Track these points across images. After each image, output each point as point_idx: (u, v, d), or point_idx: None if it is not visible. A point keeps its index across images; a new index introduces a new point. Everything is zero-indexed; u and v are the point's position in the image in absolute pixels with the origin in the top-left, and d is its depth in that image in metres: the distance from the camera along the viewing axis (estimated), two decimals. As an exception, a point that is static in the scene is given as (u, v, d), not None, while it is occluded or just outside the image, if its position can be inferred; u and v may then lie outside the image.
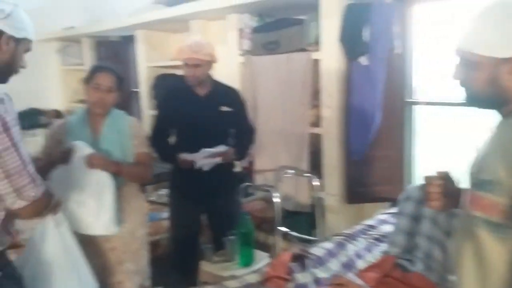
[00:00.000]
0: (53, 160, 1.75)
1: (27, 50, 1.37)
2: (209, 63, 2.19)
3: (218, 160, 2.13)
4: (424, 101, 2.60)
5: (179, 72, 3.79)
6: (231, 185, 2.22)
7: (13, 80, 4.81)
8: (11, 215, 1.28)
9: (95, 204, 1.77)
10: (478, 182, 0.97)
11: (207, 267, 2.18)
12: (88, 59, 4.58)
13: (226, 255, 2.20)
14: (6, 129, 1.12)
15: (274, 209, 3.16)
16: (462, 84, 1.07)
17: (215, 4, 2.89)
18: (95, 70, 1.90)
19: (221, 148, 2.14)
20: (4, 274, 1.28)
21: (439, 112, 2.67)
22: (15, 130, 1.16)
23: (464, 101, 1.09)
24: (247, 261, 2.15)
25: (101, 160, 1.76)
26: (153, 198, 3.38)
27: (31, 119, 4.62)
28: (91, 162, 1.73)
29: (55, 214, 1.49)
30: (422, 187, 1.16)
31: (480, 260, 0.96)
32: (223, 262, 2.19)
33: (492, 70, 0.98)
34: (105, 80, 1.85)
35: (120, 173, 1.83)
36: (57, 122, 1.97)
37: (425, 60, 2.57)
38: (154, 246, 2.36)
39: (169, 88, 2.85)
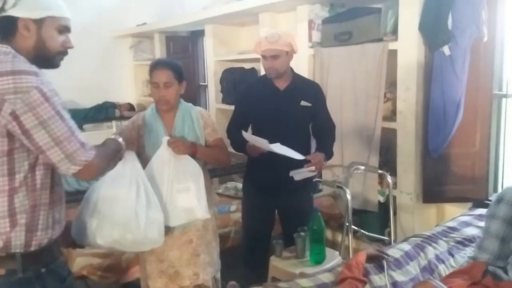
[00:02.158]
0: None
1: (62, 28, 1.29)
2: (288, 54, 2.13)
3: (312, 169, 2.07)
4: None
5: (247, 65, 3.81)
6: (304, 180, 2.16)
7: (90, 74, 5.07)
8: (57, 202, 1.27)
9: (196, 189, 1.83)
10: None
11: (276, 263, 2.15)
12: (158, 54, 4.74)
13: (296, 251, 2.15)
14: (47, 99, 1.13)
15: (341, 205, 3.07)
16: None
17: (286, -5, 2.84)
18: (152, 68, 1.91)
19: (311, 167, 2.06)
20: (49, 271, 1.23)
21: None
22: (56, 100, 1.16)
23: None
24: (318, 259, 2.09)
25: (179, 142, 1.80)
26: (220, 190, 3.42)
27: (106, 111, 4.88)
28: (175, 147, 1.78)
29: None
30: None
31: None
32: (293, 258, 2.15)
33: None
34: (161, 76, 1.86)
35: (196, 153, 1.85)
36: (133, 117, 2.03)
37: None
38: (222, 238, 2.37)
39: (248, 81, 2.84)
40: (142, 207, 1.63)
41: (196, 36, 4.74)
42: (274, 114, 2.14)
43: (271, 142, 2.00)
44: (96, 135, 4.83)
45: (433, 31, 2.24)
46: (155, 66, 1.90)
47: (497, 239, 1.66)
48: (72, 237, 1.55)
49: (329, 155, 2.21)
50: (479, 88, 2.34)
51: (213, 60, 4.03)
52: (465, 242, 1.96)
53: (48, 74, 1.33)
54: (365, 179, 2.79)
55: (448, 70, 2.28)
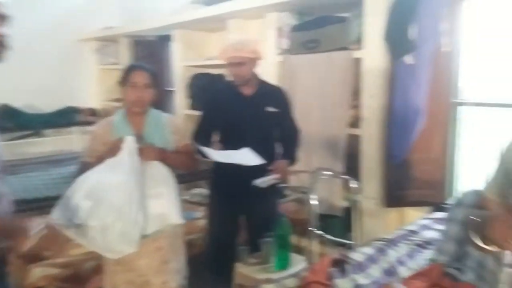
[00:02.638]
0: (103, 156, 1.77)
1: None
2: (253, 60, 2.15)
3: (275, 178, 2.09)
4: (472, 101, 2.48)
5: (215, 71, 3.80)
6: (269, 186, 2.18)
7: (52, 78, 4.94)
8: None
9: (170, 194, 1.82)
10: None
11: (242, 269, 2.14)
12: (124, 58, 4.66)
13: (262, 257, 2.15)
14: None
15: (307, 211, 3.10)
16: None
17: (254, 2, 2.87)
18: (130, 70, 1.91)
19: (273, 175, 2.10)
20: None
21: (489, 113, 2.53)
22: None
23: None
24: (284, 264, 2.10)
25: (149, 149, 1.79)
26: (186, 197, 3.38)
27: (67, 117, 4.74)
28: (145, 154, 1.76)
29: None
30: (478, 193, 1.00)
31: None
32: (258, 265, 2.14)
33: None
34: (141, 77, 1.87)
35: (166, 159, 1.85)
36: (99, 124, 1.98)
37: (474, 58, 2.45)
38: (188, 245, 2.34)
39: (215, 87, 2.84)
40: (135, 199, 1.63)
41: (163, 40, 4.69)
42: (240, 120, 2.15)
43: (237, 149, 2.00)
44: (57, 141, 4.69)
45: (396, 41, 2.31)
46: (134, 67, 1.92)
47: (454, 242, 1.72)
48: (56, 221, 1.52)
49: (293, 160, 2.24)
50: (439, 96, 2.43)
51: (181, 66, 4.00)
52: (424, 244, 2.01)
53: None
54: (331, 184, 2.83)
55: (410, 78, 2.35)
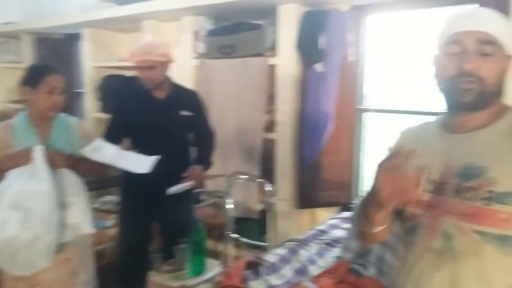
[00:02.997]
0: (3, 162, 1.62)
1: None
2: (164, 64, 2.10)
3: (190, 184, 2.07)
4: (375, 108, 2.68)
5: (128, 73, 3.65)
6: (184, 191, 2.14)
7: None
8: None
9: (80, 203, 1.75)
10: (493, 195, 0.87)
11: (155, 277, 2.07)
12: (27, 56, 4.28)
13: (177, 264, 2.10)
14: None
15: (224, 215, 3.11)
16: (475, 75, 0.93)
17: (170, 5, 2.81)
18: (43, 72, 1.76)
19: (188, 182, 2.08)
20: None
21: (390, 119, 2.76)
22: None
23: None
24: (199, 270, 2.07)
25: (56, 155, 1.69)
26: (96, 205, 3.19)
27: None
28: (53, 161, 1.66)
29: None
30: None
31: (484, 280, 0.89)
32: (173, 272, 2.09)
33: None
34: (58, 82, 1.76)
35: (74, 166, 1.77)
36: (1, 124, 1.80)
37: (376, 68, 2.66)
38: (98, 255, 2.21)
39: (126, 90, 2.72)
40: (55, 209, 1.56)
41: (71, 39, 4.40)
42: (152, 124, 2.10)
43: (150, 154, 1.94)
44: None
45: (306, 49, 2.42)
46: (50, 70, 1.76)
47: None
48: None
49: (209, 164, 2.23)
50: (346, 102, 2.58)
51: (91, 66, 3.78)
52: (332, 243, 2.13)
53: None
54: (247, 188, 2.87)
55: (320, 85, 2.48)
